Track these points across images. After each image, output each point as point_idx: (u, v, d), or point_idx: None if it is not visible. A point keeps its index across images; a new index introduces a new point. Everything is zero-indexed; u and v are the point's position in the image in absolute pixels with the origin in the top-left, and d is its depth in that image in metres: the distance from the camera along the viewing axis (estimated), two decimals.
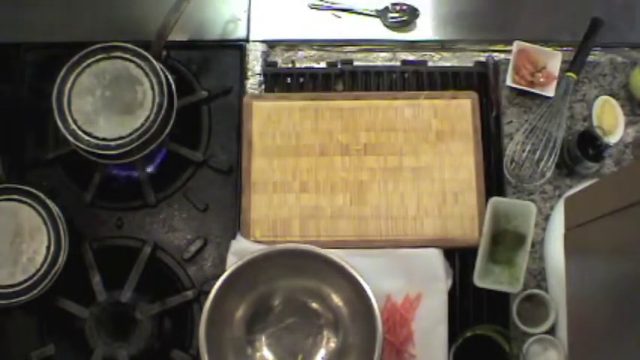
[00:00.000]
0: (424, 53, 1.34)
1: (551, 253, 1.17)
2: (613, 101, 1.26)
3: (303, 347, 1.16)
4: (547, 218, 1.21)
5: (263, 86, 1.32)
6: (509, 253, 1.17)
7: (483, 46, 1.33)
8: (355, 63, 1.32)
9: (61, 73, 1.19)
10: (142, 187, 1.27)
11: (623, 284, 0.80)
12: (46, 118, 1.27)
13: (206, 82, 1.32)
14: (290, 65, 1.33)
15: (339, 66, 1.32)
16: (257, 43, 1.34)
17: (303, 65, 1.33)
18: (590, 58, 1.27)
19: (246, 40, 1.34)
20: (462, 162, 1.24)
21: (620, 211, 0.81)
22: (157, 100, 1.19)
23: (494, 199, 1.16)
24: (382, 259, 1.19)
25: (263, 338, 1.17)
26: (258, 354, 1.16)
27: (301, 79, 1.32)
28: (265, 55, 1.33)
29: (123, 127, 1.18)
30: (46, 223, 1.17)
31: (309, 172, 1.24)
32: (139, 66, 1.20)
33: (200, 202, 1.27)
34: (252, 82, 1.32)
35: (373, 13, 1.34)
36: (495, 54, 1.32)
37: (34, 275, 1.15)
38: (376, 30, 1.34)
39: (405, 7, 1.34)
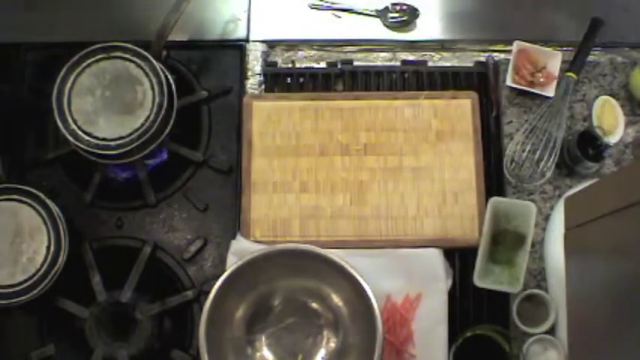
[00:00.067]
0: (424, 53, 1.34)
1: (551, 253, 1.17)
2: (613, 101, 1.26)
3: (303, 347, 1.16)
4: (547, 218, 1.21)
5: (263, 86, 1.32)
6: (509, 253, 1.17)
7: (483, 46, 1.33)
8: (355, 63, 1.32)
9: (61, 73, 1.19)
10: (142, 187, 1.27)
11: (623, 284, 0.80)
12: (46, 118, 1.27)
13: (206, 82, 1.32)
14: (290, 65, 1.33)
15: (339, 66, 1.32)
16: (257, 43, 1.34)
17: (303, 65, 1.33)
18: (590, 58, 1.27)
19: (246, 40, 1.34)
20: (462, 162, 1.24)
21: (620, 211, 0.81)
22: (157, 100, 1.19)
23: (494, 199, 1.16)
24: (382, 259, 1.19)
25: (263, 338, 1.17)
26: (258, 354, 1.16)
27: (301, 79, 1.32)
28: (265, 55, 1.33)
29: (123, 127, 1.18)
30: (46, 223, 1.17)
31: (309, 172, 1.24)
32: (139, 66, 1.20)
33: (200, 202, 1.27)
34: (252, 82, 1.32)
35: (373, 13, 1.34)
36: (495, 54, 1.32)
37: (34, 275, 1.15)
38: (376, 30, 1.34)
39: (405, 7, 1.34)
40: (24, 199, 1.18)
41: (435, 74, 1.30)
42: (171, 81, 1.23)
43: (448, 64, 1.33)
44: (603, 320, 0.86)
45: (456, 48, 1.34)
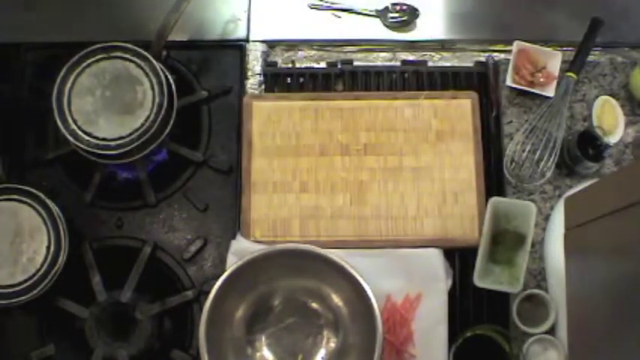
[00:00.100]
0: (424, 53, 1.34)
1: (551, 253, 1.17)
2: (613, 101, 1.26)
3: (303, 347, 1.16)
4: (547, 218, 1.21)
5: (263, 86, 1.32)
6: (509, 253, 1.17)
7: (483, 46, 1.33)
8: (355, 63, 1.32)
9: (61, 73, 1.19)
10: (142, 187, 1.27)
11: (623, 284, 0.80)
12: (46, 118, 1.27)
13: (206, 82, 1.32)
14: (290, 65, 1.33)
15: (339, 66, 1.32)
16: (257, 43, 1.34)
17: (303, 65, 1.33)
18: (590, 58, 1.27)
19: (246, 40, 1.34)
20: (462, 162, 1.24)
21: (620, 211, 0.81)
22: (157, 100, 1.19)
23: (494, 199, 1.16)
24: (382, 259, 1.19)
25: (263, 338, 1.17)
26: (258, 354, 1.16)
27: (301, 79, 1.32)
28: (265, 55, 1.33)
29: (123, 127, 1.18)
30: (46, 223, 1.17)
31: (309, 172, 1.24)
32: (139, 66, 1.20)
33: (200, 202, 1.27)
34: (252, 82, 1.32)
35: (373, 13, 1.34)
36: (495, 54, 1.32)
37: (34, 275, 1.15)
38: (376, 30, 1.34)
39: (405, 7, 1.34)
40: (24, 199, 1.18)
41: (435, 74, 1.30)
42: (171, 81, 1.23)
43: (448, 64, 1.33)
44: (603, 320, 0.86)
45: (456, 48, 1.34)
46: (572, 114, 1.26)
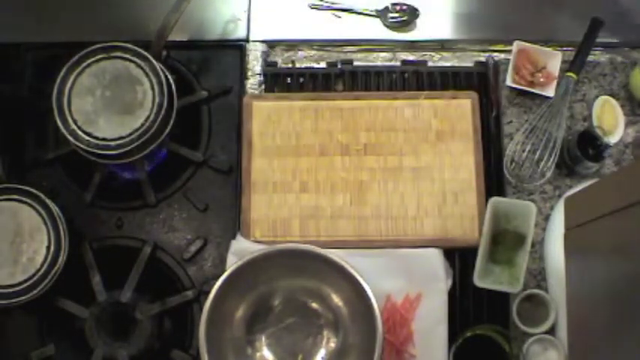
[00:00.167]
0: (424, 53, 1.34)
1: (551, 253, 1.17)
2: (613, 101, 1.26)
3: (303, 347, 1.16)
4: (547, 218, 1.21)
5: (263, 86, 1.32)
6: (509, 253, 1.17)
7: (483, 46, 1.33)
8: (355, 63, 1.32)
9: (61, 73, 1.19)
10: (142, 187, 1.27)
11: (623, 284, 0.80)
12: (46, 118, 1.27)
13: (206, 82, 1.32)
14: (290, 65, 1.33)
15: (339, 66, 1.32)
16: (257, 43, 1.34)
17: (303, 65, 1.33)
18: (590, 58, 1.27)
19: (246, 40, 1.34)
20: (462, 162, 1.24)
21: (620, 211, 0.81)
22: (157, 100, 1.18)
23: (494, 199, 1.16)
24: (382, 259, 1.19)
25: (263, 338, 1.17)
26: (258, 354, 1.16)
27: (301, 79, 1.32)
28: (265, 55, 1.33)
29: (123, 127, 1.18)
30: (46, 223, 1.17)
31: (309, 172, 1.24)
32: (139, 66, 1.20)
33: (200, 202, 1.27)
34: (252, 82, 1.32)
35: (373, 13, 1.34)
36: (495, 54, 1.32)
37: (34, 275, 1.15)
38: (376, 30, 1.34)
39: (405, 7, 1.34)
40: (24, 199, 1.18)
41: (435, 74, 1.30)
42: (171, 81, 1.23)
43: (448, 64, 1.33)
44: (603, 320, 0.86)
45: (456, 48, 1.34)
46: (572, 114, 1.26)
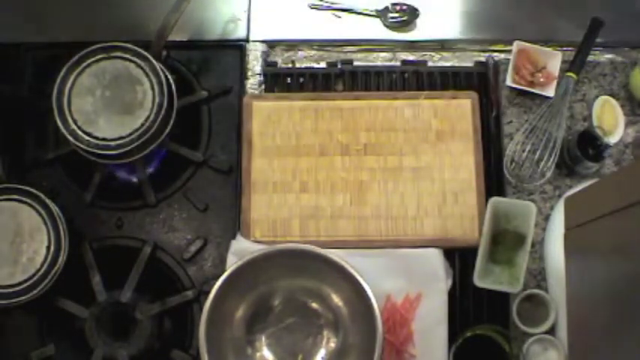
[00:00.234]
0: (424, 53, 1.34)
1: (551, 253, 1.17)
2: (613, 101, 1.26)
3: (303, 347, 1.16)
4: (547, 218, 1.21)
5: (263, 86, 1.32)
6: (509, 253, 1.17)
7: (483, 46, 1.33)
8: (355, 63, 1.32)
9: (61, 73, 1.19)
10: (142, 187, 1.27)
11: (623, 284, 0.80)
12: (46, 118, 1.27)
13: (206, 82, 1.32)
14: (290, 65, 1.33)
15: (339, 66, 1.32)
16: (257, 43, 1.34)
17: (303, 65, 1.33)
18: (590, 58, 1.27)
19: (246, 40, 1.34)
20: (462, 162, 1.24)
21: (620, 211, 0.81)
22: (157, 100, 1.19)
23: (494, 199, 1.16)
24: (382, 259, 1.19)
25: (263, 338, 1.17)
26: (258, 354, 1.16)
27: (301, 79, 1.32)
28: (265, 55, 1.33)
29: (123, 127, 1.18)
30: (46, 223, 1.17)
31: (309, 172, 1.24)
32: (139, 66, 1.20)
33: (200, 202, 1.27)
34: (252, 82, 1.32)
35: (373, 13, 1.34)
36: (495, 54, 1.32)
37: (34, 275, 1.15)
38: (376, 30, 1.34)
39: (405, 7, 1.34)
40: (24, 199, 1.18)
41: (435, 74, 1.30)
42: (171, 81, 1.23)
43: (448, 64, 1.33)
44: (603, 320, 0.86)
45: (456, 48, 1.34)
46: (572, 114, 1.26)
